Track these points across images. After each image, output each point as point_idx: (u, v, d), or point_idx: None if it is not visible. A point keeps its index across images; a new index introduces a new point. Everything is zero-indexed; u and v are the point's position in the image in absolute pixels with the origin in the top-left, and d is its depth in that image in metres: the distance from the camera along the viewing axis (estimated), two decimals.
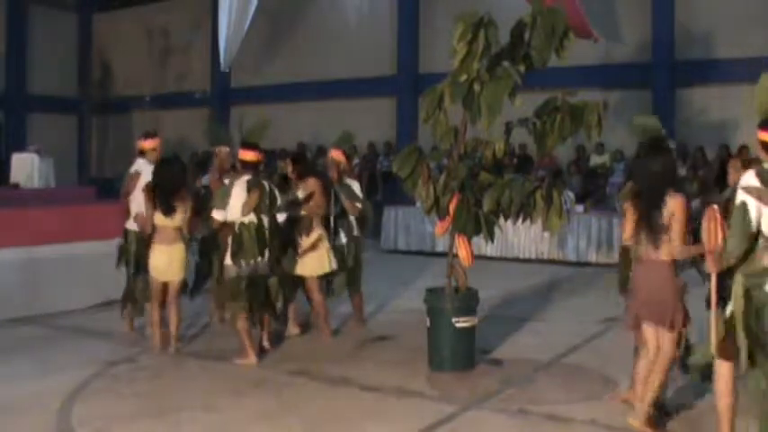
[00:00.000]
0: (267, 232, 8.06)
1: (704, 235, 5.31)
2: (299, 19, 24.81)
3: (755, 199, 4.94)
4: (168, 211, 8.21)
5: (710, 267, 5.29)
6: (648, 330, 5.92)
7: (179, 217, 8.27)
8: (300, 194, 8.82)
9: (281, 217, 8.29)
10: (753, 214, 4.96)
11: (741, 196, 5.00)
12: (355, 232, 9.40)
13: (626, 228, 6.36)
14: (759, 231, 4.97)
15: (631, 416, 5.95)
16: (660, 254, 5.77)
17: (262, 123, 8.58)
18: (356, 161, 22.02)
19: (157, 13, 28.01)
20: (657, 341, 5.86)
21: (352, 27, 24.03)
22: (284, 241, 8.62)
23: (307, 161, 9.06)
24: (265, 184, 8.15)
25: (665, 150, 5.99)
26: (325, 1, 24.89)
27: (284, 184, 8.99)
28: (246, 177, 8.05)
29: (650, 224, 5.79)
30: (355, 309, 9.65)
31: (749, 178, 5.02)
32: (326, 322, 9.09)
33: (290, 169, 9.07)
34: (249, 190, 7.96)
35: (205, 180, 9.47)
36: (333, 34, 24.15)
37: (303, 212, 8.81)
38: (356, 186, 9.52)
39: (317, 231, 8.84)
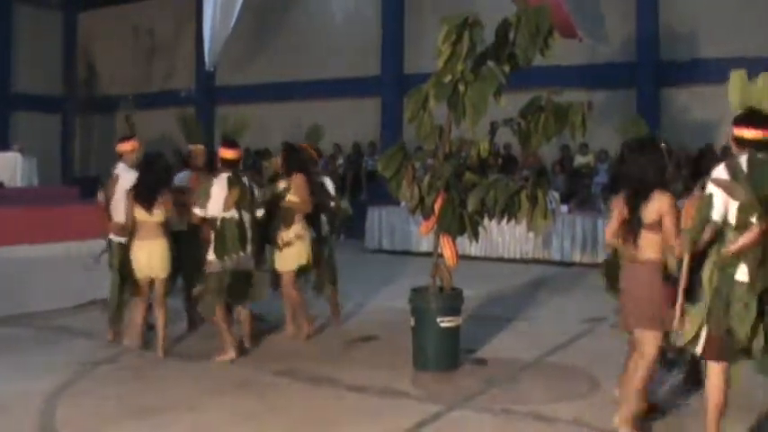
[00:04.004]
0: (248, 227, 8.17)
1: (684, 219, 5.37)
2: (284, 18, 24.78)
3: (722, 191, 5.02)
4: (148, 206, 8.18)
5: (682, 248, 5.34)
6: (637, 332, 5.89)
7: (160, 213, 8.25)
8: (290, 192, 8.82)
9: (259, 212, 8.41)
10: (718, 206, 5.08)
11: (710, 188, 5.12)
12: (325, 231, 9.38)
13: (610, 227, 6.34)
14: (728, 223, 5.05)
15: (617, 415, 5.95)
16: (644, 254, 5.76)
17: (242, 122, 8.66)
18: (340, 161, 22.10)
19: (142, 12, 27.90)
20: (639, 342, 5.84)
21: (338, 27, 24.02)
22: (262, 235, 8.69)
23: (297, 156, 9.04)
24: (244, 180, 8.26)
25: (653, 148, 5.99)
26: (310, 0, 24.86)
27: (273, 181, 9.02)
28: (227, 174, 8.16)
29: (632, 223, 5.81)
30: (331, 306, 9.64)
31: (719, 171, 5.13)
32: (306, 316, 9.09)
33: (280, 161, 9.09)
34: (230, 186, 8.07)
35: (178, 179, 9.38)
36: (318, 34, 24.13)
37: (286, 206, 8.81)
38: (329, 183, 9.55)
39: (298, 226, 8.83)
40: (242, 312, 8.56)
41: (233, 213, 8.09)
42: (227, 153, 8.31)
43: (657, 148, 6.07)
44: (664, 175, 5.88)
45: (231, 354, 8.09)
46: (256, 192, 8.45)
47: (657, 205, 5.66)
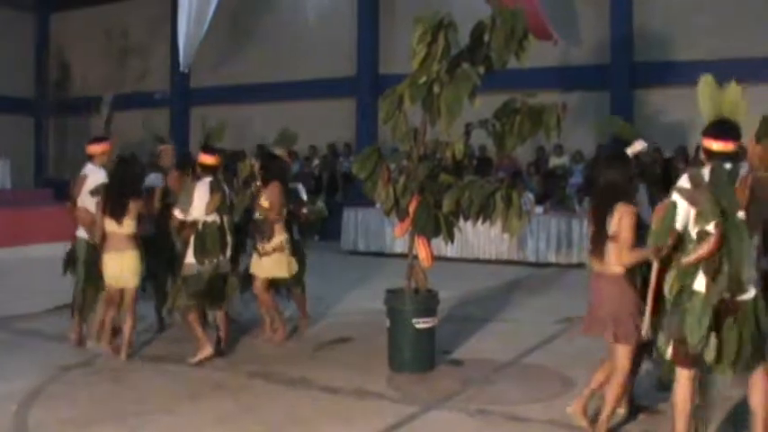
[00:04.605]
0: (228, 232, 8.24)
1: (654, 225, 5.42)
2: (259, 20, 24.71)
3: (685, 200, 5.05)
4: (118, 218, 8.14)
5: (652, 257, 5.39)
6: (610, 345, 5.94)
7: (129, 224, 8.20)
8: (263, 199, 8.81)
9: (237, 218, 8.51)
10: (681, 215, 5.12)
11: (674, 196, 5.16)
12: (296, 236, 9.32)
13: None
14: (688, 232, 5.10)
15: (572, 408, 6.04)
16: (609, 266, 5.80)
17: (220, 127, 8.69)
18: (316, 162, 22.08)
19: (116, 13, 27.73)
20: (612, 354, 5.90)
21: (313, 28, 23.94)
22: (239, 240, 8.77)
23: (275, 164, 9.04)
24: (225, 186, 8.32)
25: (620, 162, 6.02)
26: (285, 1, 24.82)
27: (247, 185, 9.05)
28: (209, 179, 8.21)
29: (598, 235, 5.85)
30: (299, 306, 9.59)
31: (683, 181, 5.16)
32: (281, 322, 9.08)
33: (257, 169, 9.12)
34: (212, 191, 8.12)
35: (149, 180, 9.36)
36: (293, 35, 24.06)
37: (261, 216, 8.81)
38: (301, 189, 9.57)
39: (281, 236, 8.82)
40: (218, 315, 8.53)
41: (214, 217, 8.14)
42: (207, 159, 8.35)
43: (626, 161, 6.09)
44: (629, 188, 5.90)
45: (207, 350, 8.06)
46: (235, 198, 8.53)
47: (617, 216, 5.70)
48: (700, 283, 5.04)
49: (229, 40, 24.48)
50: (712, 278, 4.97)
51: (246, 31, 24.74)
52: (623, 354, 5.78)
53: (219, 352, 8.29)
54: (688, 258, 5.05)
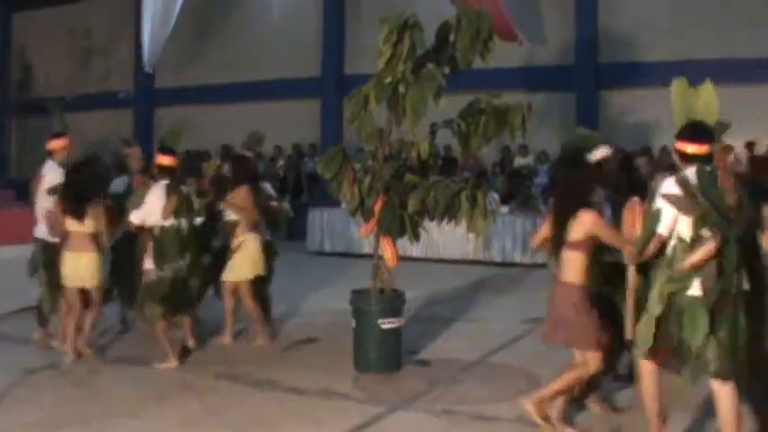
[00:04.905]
0: (186, 235, 8.05)
1: (624, 226, 5.44)
2: (224, 19, 24.63)
3: (672, 206, 5.06)
4: (78, 215, 8.04)
5: (628, 259, 5.41)
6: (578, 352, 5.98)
7: (90, 223, 8.10)
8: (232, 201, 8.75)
9: (197, 220, 8.26)
10: (667, 220, 5.13)
11: (659, 203, 5.14)
12: (267, 236, 9.28)
13: (537, 236, 6.38)
14: (678, 237, 5.10)
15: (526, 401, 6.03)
16: (566, 275, 5.80)
17: (177, 128, 8.59)
18: (281, 162, 22.04)
19: (79, 13, 27.51)
20: (582, 356, 5.93)
21: (278, 28, 23.93)
22: (202, 244, 8.58)
23: (243, 167, 8.98)
24: (183, 188, 8.16)
25: (580, 167, 6.05)
26: (250, 1, 24.75)
27: (219, 187, 8.98)
28: (165, 182, 8.04)
29: (556, 240, 5.87)
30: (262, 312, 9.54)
31: (670, 185, 5.14)
32: (262, 327, 9.02)
33: (227, 170, 9.05)
34: (168, 194, 7.95)
35: (114, 185, 9.30)
36: (258, 35, 24.04)
37: (231, 217, 8.76)
38: (268, 188, 9.58)
39: (242, 235, 8.75)
40: (183, 318, 8.46)
41: (171, 221, 7.96)
42: (164, 160, 8.16)
43: (585, 166, 6.13)
44: (588, 193, 5.92)
45: (173, 362, 7.99)
46: (195, 200, 8.31)
47: (582, 223, 5.71)
48: (695, 289, 5.05)
49: (194, 40, 24.36)
50: (712, 282, 4.97)
51: (211, 31, 24.64)
52: (595, 359, 5.80)
53: (185, 354, 8.24)
54: (685, 263, 5.04)
